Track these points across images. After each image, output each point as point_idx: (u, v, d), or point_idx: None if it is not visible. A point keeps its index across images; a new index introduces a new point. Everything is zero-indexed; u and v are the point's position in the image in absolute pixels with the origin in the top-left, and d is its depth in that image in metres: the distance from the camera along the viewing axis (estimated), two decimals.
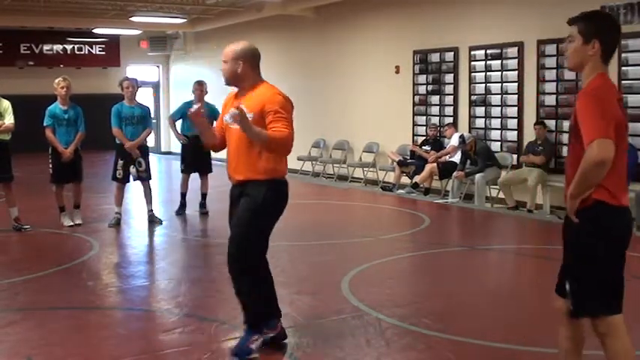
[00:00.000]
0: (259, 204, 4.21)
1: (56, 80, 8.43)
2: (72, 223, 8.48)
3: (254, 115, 4.14)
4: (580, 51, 3.17)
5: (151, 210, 8.82)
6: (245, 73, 4.32)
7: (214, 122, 9.80)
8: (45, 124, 8.32)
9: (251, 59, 4.35)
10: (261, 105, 4.19)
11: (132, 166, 8.53)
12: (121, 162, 8.55)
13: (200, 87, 9.55)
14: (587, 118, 2.98)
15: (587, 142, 2.93)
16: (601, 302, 3.14)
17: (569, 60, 3.26)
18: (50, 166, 8.43)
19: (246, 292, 4.33)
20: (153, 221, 8.76)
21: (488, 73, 11.31)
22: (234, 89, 4.47)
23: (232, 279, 4.36)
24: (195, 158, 9.37)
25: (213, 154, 9.68)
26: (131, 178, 8.63)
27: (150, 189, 8.80)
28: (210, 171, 9.56)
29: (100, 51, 20.89)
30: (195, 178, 9.52)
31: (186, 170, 9.48)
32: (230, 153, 4.36)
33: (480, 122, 11.54)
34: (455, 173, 11.06)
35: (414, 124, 12.95)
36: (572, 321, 3.30)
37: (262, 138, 4.08)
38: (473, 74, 11.58)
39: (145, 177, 8.69)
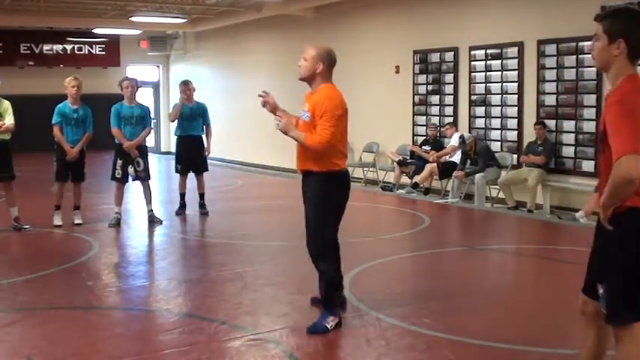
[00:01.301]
0: (317, 195, 4.74)
1: (67, 79, 8.46)
2: (61, 223, 8.45)
3: (310, 114, 4.70)
4: (605, 51, 3.06)
5: (151, 210, 8.82)
6: (321, 73, 4.84)
7: (204, 120, 9.84)
8: (53, 121, 8.35)
9: (328, 62, 4.90)
10: (314, 105, 4.70)
11: (130, 166, 8.52)
12: (119, 162, 8.55)
13: (186, 87, 9.55)
14: (616, 131, 2.87)
15: (615, 157, 2.83)
16: (632, 309, 3.07)
17: (596, 60, 3.14)
18: (55, 163, 8.46)
19: (320, 277, 4.82)
20: (153, 221, 8.75)
21: (488, 73, 11.31)
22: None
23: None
24: (189, 158, 9.38)
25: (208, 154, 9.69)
26: (130, 177, 8.63)
27: (149, 189, 8.80)
28: (206, 169, 9.56)
29: (100, 51, 20.89)
30: (192, 177, 9.52)
31: (182, 171, 9.47)
32: (296, 145, 4.84)
33: (480, 122, 11.54)
34: (455, 173, 11.06)
35: (414, 124, 12.95)
36: (598, 323, 3.26)
37: (300, 140, 4.66)
38: (473, 74, 11.58)
39: (143, 177, 8.68)
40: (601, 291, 3.14)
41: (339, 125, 4.66)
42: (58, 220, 8.50)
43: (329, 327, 4.68)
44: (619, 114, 2.89)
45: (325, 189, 4.72)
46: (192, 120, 9.35)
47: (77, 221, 8.55)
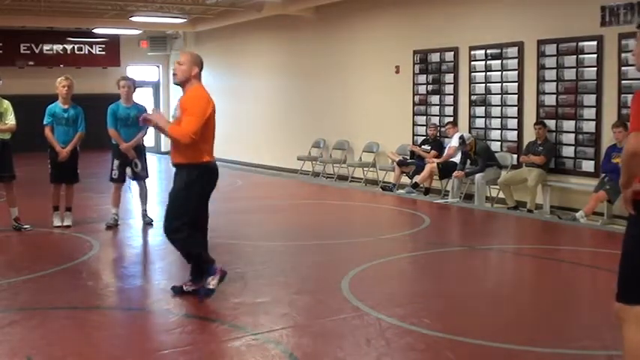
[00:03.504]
0: (179, 184, 5.29)
1: (58, 79, 8.38)
2: (60, 224, 8.42)
3: (180, 111, 5.25)
4: None
5: (145, 210, 8.79)
6: (195, 76, 5.34)
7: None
8: (44, 122, 8.28)
9: (201, 66, 5.40)
10: (183, 103, 5.27)
11: (128, 167, 8.47)
12: (116, 162, 8.48)
13: None
14: (632, 112, 3.16)
15: (629, 134, 3.13)
16: (637, 297, 3.20)
17: (635, 61, 3.40)
18: (49, 165, 8.42)
19: (180, 251, 5.46)
20: (145, 220, 8.72)
21: (488, 73, 11.31)
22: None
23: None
24: None
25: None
26: (127, 177, 8.58)
27: (146, 188, 8.76)
28: None
29: (100, 51, 20.90)
30: None
31: None
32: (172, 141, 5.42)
33: (480, 122, 11.54)
34: (455, 173, 11.06)
35: (414, 124, 12.95)
36: None
37: (164, 130, 5.27)
38: (473, 74, 11.58)
39: (142, 176, 8.64)
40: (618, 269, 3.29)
41: (204, 123, 5.18)
42: (57, 221, 8.47)
43: (212, 287, 5.26)
44: (638, 99, 3.17)
45: (188, 179, 5.24)
46: None
47: (67, 223, 8.45)
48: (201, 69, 5.38)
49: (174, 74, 5.36)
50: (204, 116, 5.20)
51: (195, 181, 5.27)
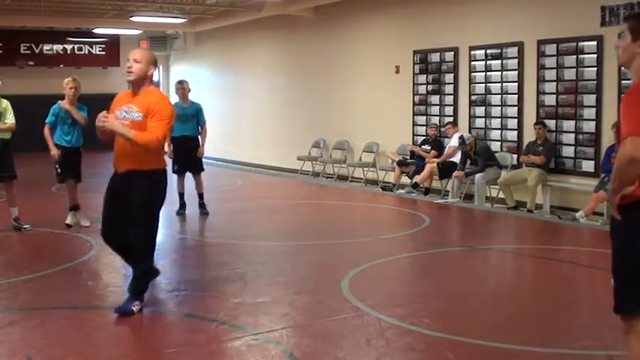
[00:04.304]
0: (145, 192, 4.97)
1: (65, 80, 8.38)
2: (88, 224, 8.28)
3: (142, 114, 4.94)
4: (629, 48, 3.21)
5: None
6: (150, 76, 5.09)
7: (199, 120, 9.80)
8: (47, 120, 8.28)
9: (155, 66, 5.16)
10: (147, 107, 4.94)
11: None
12: None
13: (182, 86, 9.65)
14: (625, 114, 3.00)
15: (622, 139, 2.96)
16: (636, 300, 3.12)
17: (620, 56, 3.31)
18: (56, 165, 8.38)
19: (137, 266, 5.14)
20: None
21: (488, 73, 11.31)
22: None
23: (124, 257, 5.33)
24: (185, 159, 9.36)
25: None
26: None
27: None
28: (202, 169, 9.55)
29: (100, 51, 20.90)
30: (191, 177, 9.50)
31: (178, 171, 9.46)
32: (117, 145, 5.09)
33: (480, 122, 11.54)
34: (455, 173, 11.05)
35: (414, 124, 12.95)
36: None
37: (128, 137, 4.87)
38: (473, 74, 11.58)
39: None
40: (612, 283, 3.19)
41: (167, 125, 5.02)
42: (85, 222, 8.38)
43: (135, 310, 5.04)
44: (631, 99, 3.04)
45: (151, 185, 5.03)
46: (187, 121, 9.26)
47: (68, 222, 8.47)
48: (155, 69, 5.15)
49: (128, 71, 5.01)
50: (172, 120, 5.06)
51: (157, 186, 5.11)
